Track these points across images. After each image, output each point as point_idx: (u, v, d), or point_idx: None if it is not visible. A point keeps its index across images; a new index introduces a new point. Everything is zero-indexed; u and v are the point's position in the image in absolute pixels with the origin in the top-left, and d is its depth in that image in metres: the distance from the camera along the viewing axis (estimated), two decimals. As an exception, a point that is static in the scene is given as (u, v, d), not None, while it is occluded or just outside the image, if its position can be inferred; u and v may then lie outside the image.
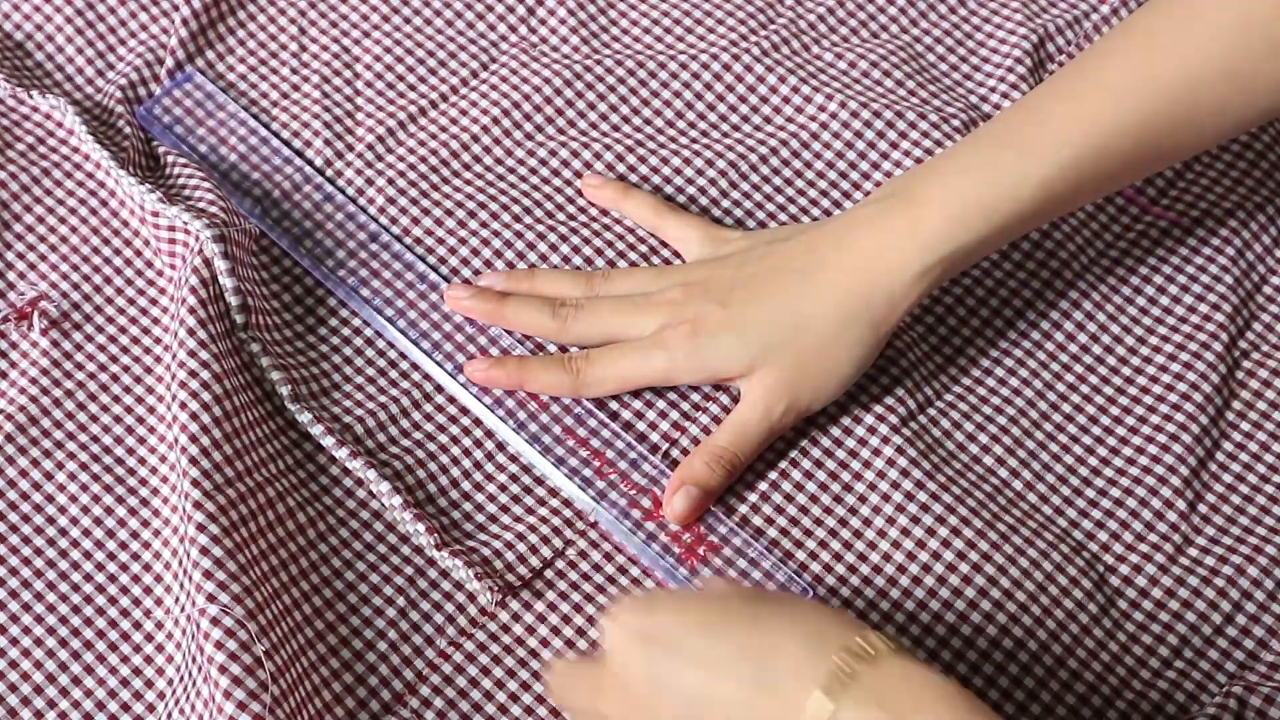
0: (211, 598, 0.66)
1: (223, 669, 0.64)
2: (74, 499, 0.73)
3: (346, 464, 0.73)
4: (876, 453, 0.74)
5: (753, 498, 0.73)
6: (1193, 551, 0.73)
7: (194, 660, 0.67)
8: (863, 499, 0.73)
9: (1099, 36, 0.84)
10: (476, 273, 0.79)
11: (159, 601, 0.71)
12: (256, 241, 0.78)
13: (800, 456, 0.74)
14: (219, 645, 0.65)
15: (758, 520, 0.73)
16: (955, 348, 0.78)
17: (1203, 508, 0.74)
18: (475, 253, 0.80)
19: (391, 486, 0.72)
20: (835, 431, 0.75)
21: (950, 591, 0.71)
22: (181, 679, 0.68)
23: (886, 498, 0.73)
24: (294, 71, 0.86)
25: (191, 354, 0.72)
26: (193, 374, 0.71)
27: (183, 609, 0.69)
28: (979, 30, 0.87)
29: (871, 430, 0.74)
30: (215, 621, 0.65)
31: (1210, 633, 0.71)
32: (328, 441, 0.73)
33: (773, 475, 0.74)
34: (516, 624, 0.71)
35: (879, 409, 0.75)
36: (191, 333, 0.72)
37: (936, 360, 0.78)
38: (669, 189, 0.82)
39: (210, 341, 0.73)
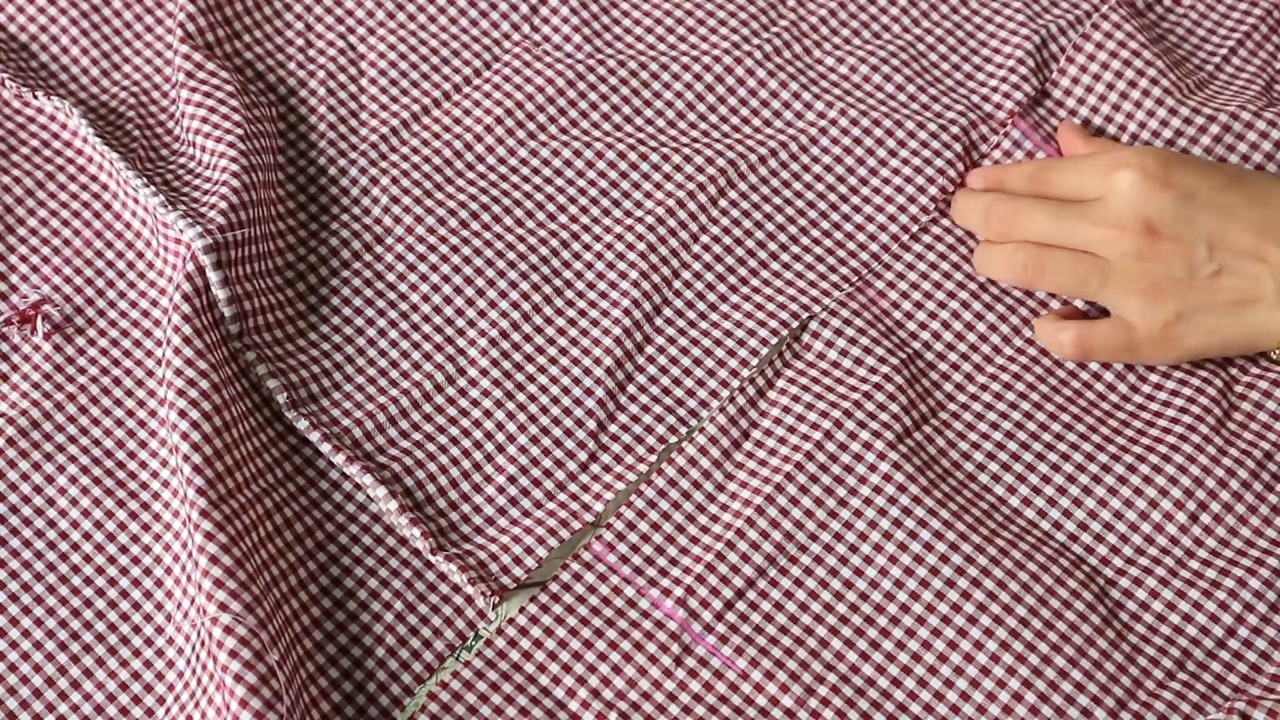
0: (224, 606, 0.66)
1: (238, 678, 0.64)
2: (75, 503, 0.73)
3: (344, 469, 0.73)
4: (872, 468, 0.74)
5: (748, 512, 0.73)
6: (1194, 563, 0.72)
7: (205, 668, 0.67)
8: (858, 513, 0.73)
9: (1100, 36, 0.84)
10: (479, 272, 0.79)
11: (159, 606, 0.71)
12: (260, 243, 0.79)
13: (795, 471, 0.74)
14: (233, 654, 0.65)
15: (753, 534, 0.73)
16: (951, 364, 0.78)
17: (1206, 517, 0.73)
18: (478, 252, 0.80)
19: (388, 491, 0.72)
20: (830, 447, 0.74)
21: (949, 607, 0.70)
22: (186, 684, 0.68)
23: (883, 512, 0.73)
24: (300, 67, 0.86)
25: (189, 362, 0.72)
26: (191, 383, 0.72)
27: (185, 615, 0.70)
28: (981, 30, 0.86)
29: (867, 446, 0.74)
30: (229, 630, 0.65)
31: (1213, 645, 0.70)
32: (325, 448, 0.73)
33: (767, 490, 0.74)
34: (499, 637, 0.71)
35: (874, 425, 0.75)
36: (188, 341, 0.73)
37: (931, 378, 0.77)
38: (669, 186, 0.82)
39: (206, 351, 0.73)
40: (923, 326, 0.79)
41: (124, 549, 0.72)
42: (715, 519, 0.74)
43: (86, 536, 0.72)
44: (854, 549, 0.72)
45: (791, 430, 0.75)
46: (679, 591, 0.72)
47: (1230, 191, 0.73)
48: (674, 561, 0.73)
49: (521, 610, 0.71)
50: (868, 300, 0.79)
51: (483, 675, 0.70)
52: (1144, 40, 0.82)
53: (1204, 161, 0.75)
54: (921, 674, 0.70)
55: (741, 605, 0.71)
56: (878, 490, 0.73)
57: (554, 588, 0.72)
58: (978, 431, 0.76)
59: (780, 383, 0.77)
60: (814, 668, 0.70)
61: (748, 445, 0.75)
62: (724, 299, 0.79)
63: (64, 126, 0.83)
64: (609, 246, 0.80)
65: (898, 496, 0.73)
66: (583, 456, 0.76)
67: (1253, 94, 0.83)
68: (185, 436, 0.70)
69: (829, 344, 0.78)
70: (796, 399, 0.76)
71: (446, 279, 0.79)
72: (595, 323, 0.79)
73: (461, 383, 0.77)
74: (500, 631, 0.71)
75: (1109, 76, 0.82)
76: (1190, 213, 0.73)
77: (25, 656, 0.70)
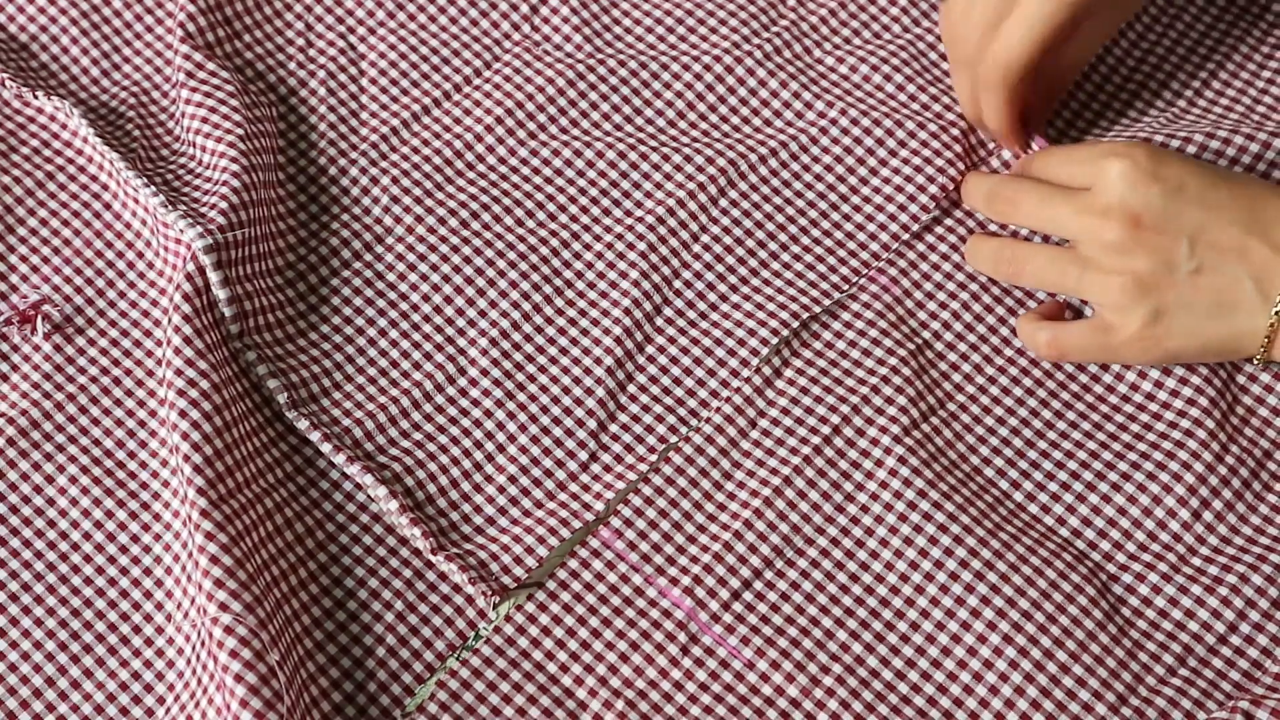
0: (224, 606, 0.66)
1: (238, 678, 0.64)
2: (75, 502, 0.73)
3: (344, 469, 0.73)
4: (879, 463, 0.74)
5: (756, 502, 0.73)
6: (1196, 561, 0.72)
7: (205, 668, 0.67)
8: (865, 509, 0.73)
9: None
10: (479, 272, 0.79)
11: (159, 606, 0.71)
12: (260, 243, 0.79)
13: (804, 465, 0.74)
14: (234, 654, 0.65)
15: (760, 524, 0.73)
16: (961, 354, 0.78)
17: (1208, 515, 0.73)
18: (478, 252, 0.80)
19: (388, 491, 0.72)
20: (838, 442, 0.75)
21: (953, 600, 0.71)
22: (187, 684, 0.68)
23: (889, 507, 0.73)
24: (300, 67, 0.86)
25: (189, 363, 0.72)
26: (191, 383, 0.72)
27: (186, 615, 0.70)
28: (982, 30, 0.86)
29: (874, 442, 0.74)
30: (229, 630, 0.65)
31: (1214, 642, 0.70)
32: (325, 448, 0.73)
33: (775, 482, 0.74)
34: (507, 624, 0.71)
35: (882, 420, 0.75)
36: (188, 341, 0.73)
37: (940, 368, 0.77)
38: (669, 186, 0.82)
39: (207, 351, 0.73)
40: (933, 316, 0.79)
41: (124, 549, 0.72)
42: (723, 507, 0.74)
43: (86, 536, 0.72)
44: (860, 543, 0.72)
45: (800, 422, 0.75)
46: (686, 580, 0.72)
47: (1220, 189, 0.73)
48: (681, 550, 0.73)
49: (530, 598, 0.71)
50: (879, 289, 0.79)
51: (491, 663, 0.70)
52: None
53: (1196, 158, 0.75)
54: (925, 668, 0.70)
55: (748, 595, 0.71)
56: (884, 485, 0.73)
57: (561, 575, 0.72)
58: (984, 426, 0.76)
59: (789, 372, 0.77)
60: (820, 659, 0.70)
61: (755, 434, 0.75)
62: (724, 299, 0.79)
63: (64, 126, 0.83)
64: (609, 246, 0.80)
65: (904, 491, 0.73)
66: (583, 456, 0.76)
67: (1235, 117, 0.83)
68: (185, 436, 0.70)
69: (838, 334, 0.78)
70: (805, 390, 0.76)
71: (446, 279, 0.79)
72: (595, 323, 0.79)
73: (462, 383, 0.77)
74: (508, 619, 0.71)
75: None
76: (1177, 207, 0.72)
77: (25, 656, 0.70)
